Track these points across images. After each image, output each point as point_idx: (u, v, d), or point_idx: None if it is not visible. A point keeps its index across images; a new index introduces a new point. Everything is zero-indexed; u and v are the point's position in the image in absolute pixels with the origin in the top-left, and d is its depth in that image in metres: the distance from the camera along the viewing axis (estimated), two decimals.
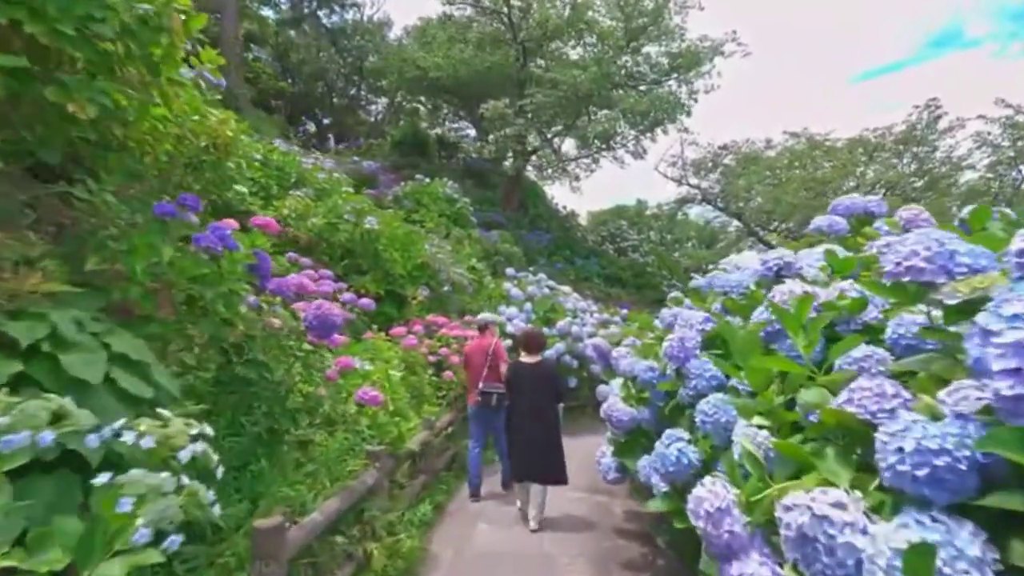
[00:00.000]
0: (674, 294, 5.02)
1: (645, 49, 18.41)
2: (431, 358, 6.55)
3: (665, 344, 2.90)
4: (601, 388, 7.00)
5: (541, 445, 4.83)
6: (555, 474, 4.83)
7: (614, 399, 3.58)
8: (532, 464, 4.82)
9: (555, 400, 5.11)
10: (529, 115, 16.18)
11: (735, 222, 19.09)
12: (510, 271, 11.02)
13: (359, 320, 6.59)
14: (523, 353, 5.28)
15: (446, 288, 8.13)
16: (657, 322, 5.03)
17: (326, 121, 31.54)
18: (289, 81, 29.33)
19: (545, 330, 9.81)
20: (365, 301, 6.53)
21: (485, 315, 6.90)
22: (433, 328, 7.36)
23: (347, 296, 6.32)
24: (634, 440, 3.59)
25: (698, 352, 2.80)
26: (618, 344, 6.00)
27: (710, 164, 17.60)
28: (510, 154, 17.34)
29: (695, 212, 19.00)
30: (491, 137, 16.56)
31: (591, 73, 15.17)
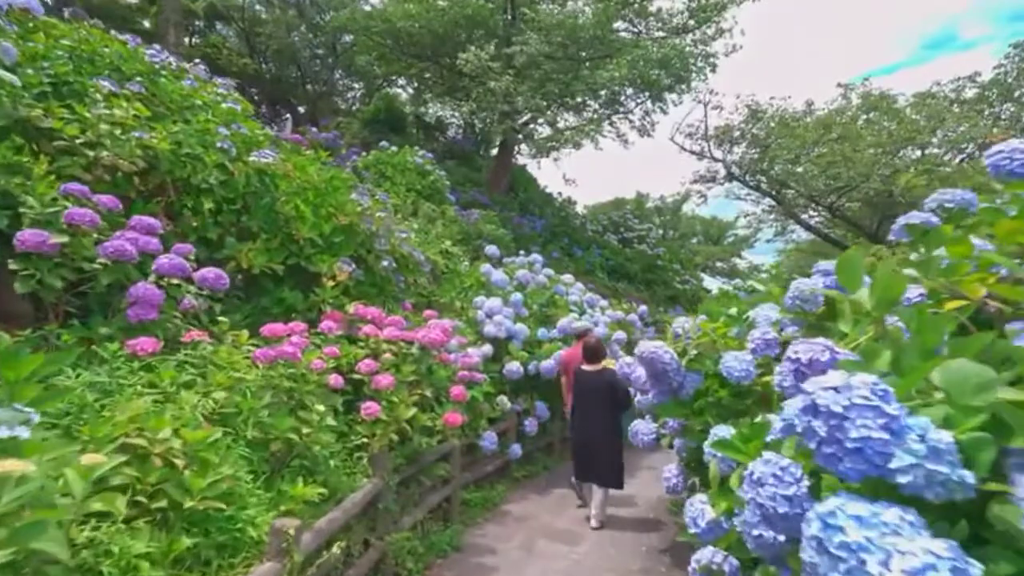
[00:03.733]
0: None
1: (656, 3, 15.57)
2: (334, 380, 3.57)
3: None
4: (640, 426, 4.16)
5: (597, 450, 5.13)
6: (610, 478, 5.14)
7: None
8: (589, 467, 5.23)
9: (613, 407, 5.18)
10: (518, 69, 13.25)
11: (766, 203, 15.87)
12: (491, 249, 8.04)
13: (204, 309, 3.61)
14: (584, 362, 5.48)
15: (385, 263, 5.14)
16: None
17: (301, 110, 28.42)
18: (258, 62, 26.19)
19: (543, 330, 6.87)
20: (206, 274, 3.54)
21: (582, 323, 6.82)
22: (356, 324, 4.40)
23: (166, 263, 3.33)
24: None
25: None
26: (682, 353, 3.09)
27: (737, 133, 14.57)
28: (498, 126, 14.34)
29: (715, 193, 16.11)
30: (473, 95, 13.59)
31: (595, 12, 12.30)
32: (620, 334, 7.79)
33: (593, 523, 5.12)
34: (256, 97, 25.25)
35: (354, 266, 4.83)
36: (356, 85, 30.17)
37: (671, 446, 3.64)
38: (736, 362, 2.65)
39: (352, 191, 5.36)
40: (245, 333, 3.49)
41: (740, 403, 2.74)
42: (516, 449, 6.19)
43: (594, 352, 5.44)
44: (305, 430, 3.01)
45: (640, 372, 3.77)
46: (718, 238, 29.39)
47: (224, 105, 5.41)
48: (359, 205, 5.21)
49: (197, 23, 23.65)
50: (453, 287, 7.91)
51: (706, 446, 2.27)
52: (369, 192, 5.82)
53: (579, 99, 15.83)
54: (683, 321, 3.17)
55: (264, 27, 26.12)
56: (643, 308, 9.41)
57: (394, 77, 24.03)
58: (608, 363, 5.37)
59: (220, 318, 3.47)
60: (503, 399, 6.07)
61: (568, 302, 7.85)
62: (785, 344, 2.82)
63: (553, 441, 7.49)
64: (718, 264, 27.38)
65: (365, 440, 3.70)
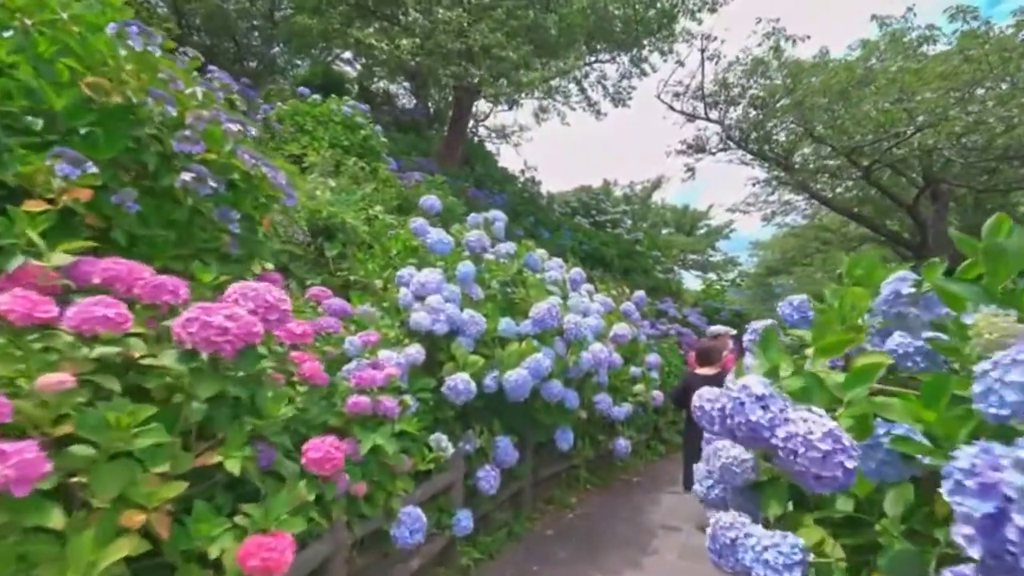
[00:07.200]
0: None
1: None
2: None
3: None
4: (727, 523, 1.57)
5: None
6: None
7: None
8: None
9: None
10: (473, 4, 10.70)
11: (776, 173, 13.56)
12: (428, 201, 5.39)
13: None
14: (698, 366, 5.19)
15: (187, 178, 2.48)
16: None
17: None
18: (186, 30, 22.64)
19: (508, 322, 4.31)
20: None
21: (717, 327, 6.48)
22: (62, 286, 1.78)
23: None
24: None
25: None
26: None
27: (736, 91, 12.25)
28: (447, 68, 11.71)
29: (706, 164, 13.95)
30: (416, 29, 10.95)
31: None
32: (621, 328, 5.34)
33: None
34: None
35: (91, 168, 2.16)
36: (299, 62, 27.08)
37: None
38: None
39: (109, 23, 2.64)
40: None
41: None
42: (464, 521, 3.65)
43: (708, 354, 5.15)
44: None
45: (756, 416, 1.26)
46: (690, 229, 27.47)
47: None
48: (138, 58, 2.55)
49: None
50: (375, 260, 5.31)
51: None
52: (190, 63, 3.08)
53: (544, 60, 13.41)
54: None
55: None
56: (640, 294, 6.99)
57: (338, 51, 21.19)
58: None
59: None
60: (440, 438, 3.51)
61: (545, 284, 5.31)
62: None
63: (523, 487, 4.97)
64: (691, 257, 25.45)
65: None
